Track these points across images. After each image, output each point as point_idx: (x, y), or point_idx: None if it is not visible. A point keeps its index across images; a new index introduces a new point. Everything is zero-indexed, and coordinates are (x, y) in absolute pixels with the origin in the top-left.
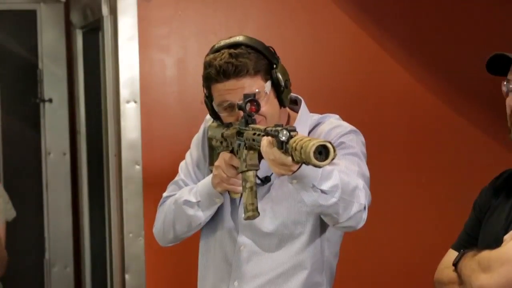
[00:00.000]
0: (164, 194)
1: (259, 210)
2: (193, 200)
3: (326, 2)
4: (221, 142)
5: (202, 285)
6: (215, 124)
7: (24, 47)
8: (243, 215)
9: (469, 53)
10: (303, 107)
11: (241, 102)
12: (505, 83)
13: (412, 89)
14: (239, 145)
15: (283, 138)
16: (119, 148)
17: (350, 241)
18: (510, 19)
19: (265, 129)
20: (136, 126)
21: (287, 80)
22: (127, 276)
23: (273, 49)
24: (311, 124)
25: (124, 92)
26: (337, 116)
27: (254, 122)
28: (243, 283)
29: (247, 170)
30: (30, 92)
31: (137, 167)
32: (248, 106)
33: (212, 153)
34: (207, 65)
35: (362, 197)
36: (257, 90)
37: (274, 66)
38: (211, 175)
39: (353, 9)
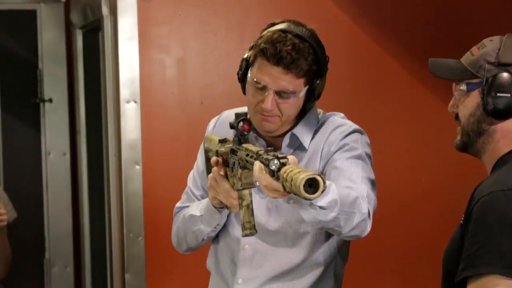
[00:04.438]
0: (177, 205)
1: (266, 208)
2: (197, 214)
3: (326, 2)
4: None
5: (211, 285)
6: (211, 136)
7: (24, 47)
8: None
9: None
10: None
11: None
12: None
13: (412, 89)
14: (234, 163)
15: (273, 168)
16: (119, 148)
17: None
18: (511, 19)
19: (257, 152)
20: (136, 126)
21: (320, 93)
22: (127, 276)
23: (328, 58)
24: (315, 125)
25: (124, 92)
26: (342, 115)
27: (247, 141)
28: (247, 281)
29: (243, 189)
30: (30, 92)
31: (137, 167)
32: (240, 125)
33: (209, 165)
34: (268, 40)
35: (365, 206)
36: (291, 89)
37: (321, 77)
38: None
39: (353, 9)
